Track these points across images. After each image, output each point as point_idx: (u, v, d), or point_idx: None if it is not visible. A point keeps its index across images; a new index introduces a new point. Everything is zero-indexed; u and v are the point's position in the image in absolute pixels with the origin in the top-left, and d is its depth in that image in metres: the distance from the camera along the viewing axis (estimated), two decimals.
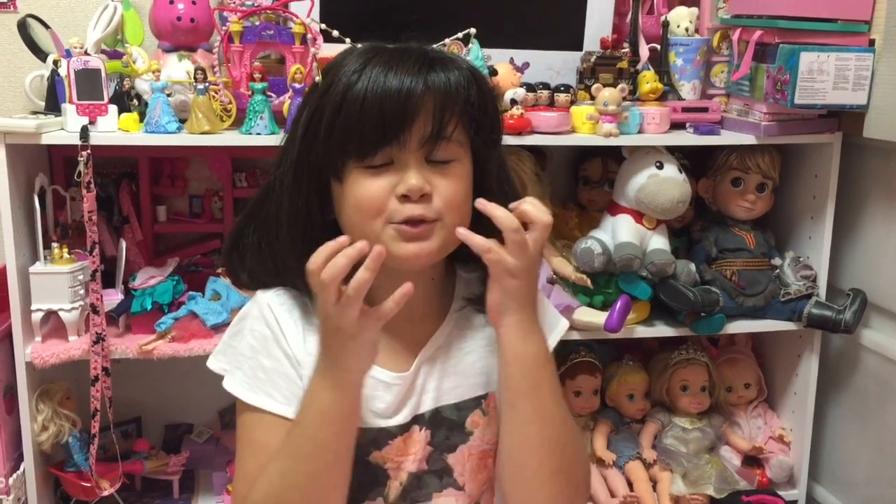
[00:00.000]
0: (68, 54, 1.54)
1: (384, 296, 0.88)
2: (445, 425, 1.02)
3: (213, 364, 1.04)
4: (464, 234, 0.91)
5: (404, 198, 0.91)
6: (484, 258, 0.91)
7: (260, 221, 1.01)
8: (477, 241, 0.90)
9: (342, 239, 0.86)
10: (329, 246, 0.86)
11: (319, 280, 0.85)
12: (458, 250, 0.97)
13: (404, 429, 1.00)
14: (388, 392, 1.00)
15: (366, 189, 0.92)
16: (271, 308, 1.00)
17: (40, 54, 1.69)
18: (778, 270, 1.84)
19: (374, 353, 0.91)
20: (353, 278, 0.84)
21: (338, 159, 0.93)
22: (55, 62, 1.62)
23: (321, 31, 1.55)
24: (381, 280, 0.88)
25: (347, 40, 0.90)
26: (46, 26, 1.71)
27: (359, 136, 0.90)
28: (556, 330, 1.10)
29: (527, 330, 0.95)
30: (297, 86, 1.56)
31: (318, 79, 0.97)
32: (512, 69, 1.70)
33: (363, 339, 0.88)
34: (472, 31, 1.60)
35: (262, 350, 0.99)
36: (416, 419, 1.01)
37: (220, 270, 1.74)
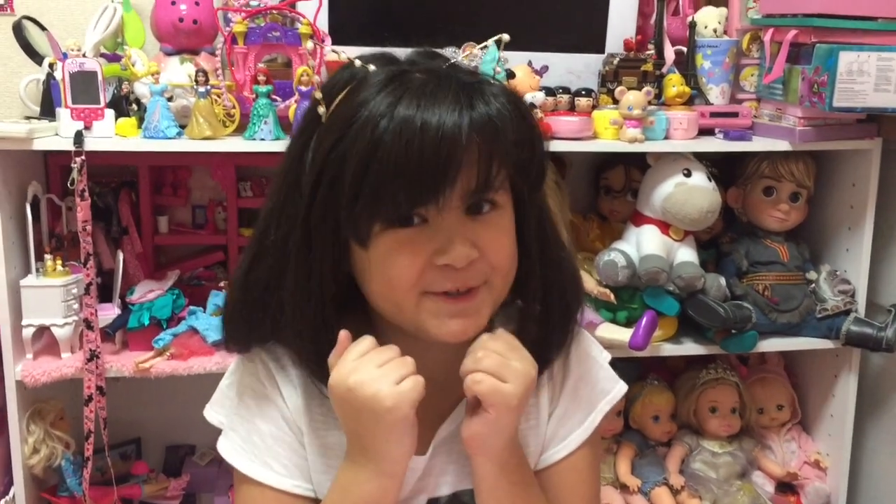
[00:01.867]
0: (65, 57, 1.48)
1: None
2: None
3: (210, 416, 0.93)
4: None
5: (446, 267, 0.76)
6: (472, 389, 0.78)
7: (258, 277, 0.83)
8: (465, 369, 0.79)
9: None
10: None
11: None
12: None
13: None
14: None
15: (397, 261, 0.76)
16: (268, 365, 0.87)
17: (36, 57, 1.62)
18: (813, 285, 1.76)
19: (415, 436, 0.79)
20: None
21: (363, 223, 0.75)
22: (51, 65, 1.55)
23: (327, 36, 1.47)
24: (395, 334, 0.80)
25: (357, 62, 0.74)
26: (43, 28, 1.64)
27: (391, 198, 0.73)
28: (611, 396, 0.94)
29: (505, 461, 0.82)
30: (303, 89, 1.48)
31: (321, 110, 0.78)
32: (530, 72, 1.62)
33: (402, 413, 0.77)
34: (506, 37, 1.50)
35: (259, 412, 0.87)
36: (431, 502, 0.89)
37: (222, 284, 1.67)
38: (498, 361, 0.78)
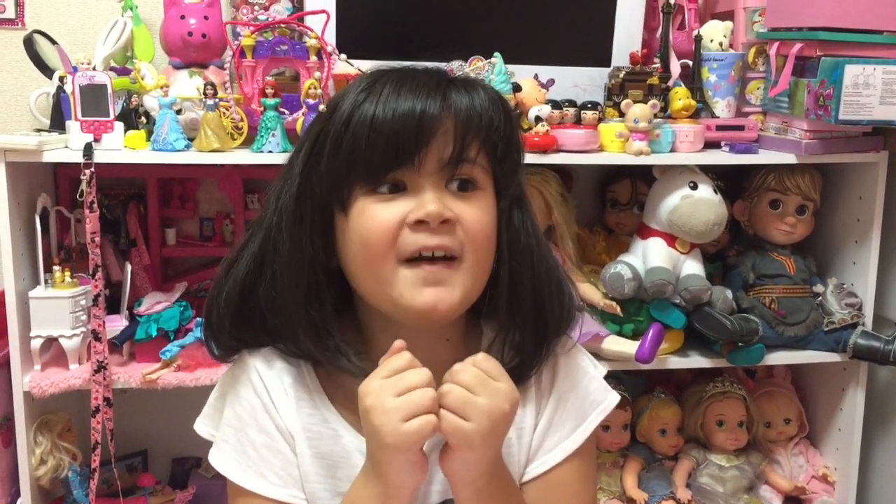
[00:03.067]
0: (75, 70, 1.49)
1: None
2: None
3: (200, 429, 0.92)
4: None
5: (419, 224, 0.78)
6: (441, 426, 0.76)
7: (250, 269, 0.86)
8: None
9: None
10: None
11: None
12: (480, 300, 0.84)
13: None
14: None
15: (373, 217, 0.79)
16: (258, 372, 0.87)
17: (47, 71, 1.64)
18: (820, 298, 1.75)
19: (424, 467, 0.77)
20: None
21: (343, 186, 0.81)
22: (61, 79, 1.56)
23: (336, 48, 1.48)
24: (385, 339, 0.79)
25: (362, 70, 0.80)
26: (53, 42, 1.66)
27: (367, 157, 0.79)
28: (602, 407, 0.92)
29: (481, 488, 0.80)
30: (311, 102, 1.49)
31: (322, 108, 0.85)
32: (537, 85, 1.63)
33: (409, 453, 0.76)
34: (497, 55, 1.53)
35: (251, 421, 0.86)
36: None
37: None
38: (461, 398, 0.75)
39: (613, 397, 0.93)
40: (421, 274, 0.79)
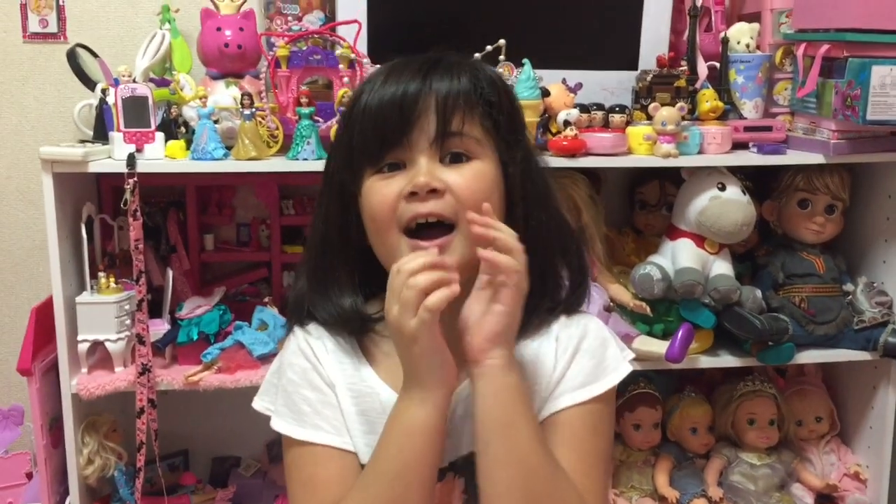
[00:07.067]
0: (116, 83, 1.54)
1: None
2: None
3: (257, 405, 1.01)
4: (487, 255, 0.84)
5: (412, 196, 0.88)
6: (503, 280, 0.84)
7: (309, 256, 1.00)
8: (502, 260, 0.84)
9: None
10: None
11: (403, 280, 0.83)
12: None
13: (441, 475, 0.92)
14: None
15: (376, 193, 0.90)
16: (306, 340, 0.98)
17: (89, 83, 1.69)
18: (850, 297, 1.76)
19: (452, 369, 0.87)
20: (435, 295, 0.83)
21: (356, 171, 0.93)
22: (103, 91, 1.61)
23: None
24: None
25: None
26: (95, 55, 1.71)
27: (365, 143, 0.91)
28: (618, 372, 0.97)
29: (511, 361, 0.87)
30: (344, 110, 1.52)
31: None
32: (564, 90, 1.65)
33: (423, 344, 0.83)
34: (502, 42, 1.58)
35: (304, 383, 0.96)
36: (451, 466, 0.94)
37: (266, 300, 1.71)
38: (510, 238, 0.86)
39: (626, 368, 0.98)
40: (417, 247, 0.88)
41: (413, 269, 0.83)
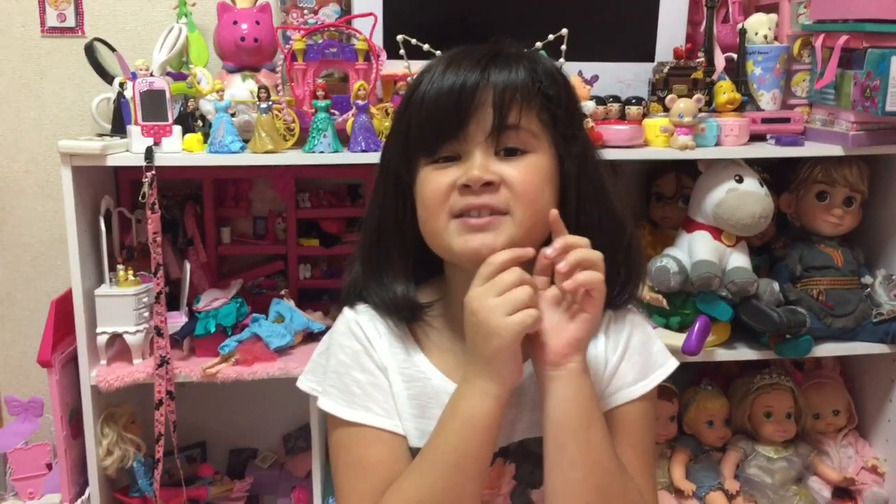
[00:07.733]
0: (134, 76, 1.54)
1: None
2: (531, 460, 0.96)
3: (303, 384, 1.03)
4: (572, 285, 0.86)
5: (465, 188, 0.88)
6: (586, 278, 0.85)
7: (364, 242, 1.01)
8: (587, 279, 0.86)
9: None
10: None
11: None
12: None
13: (492, 459, 0.93)
14: None
15: (430, 183, 0.91)
16: (358, 323, 0.99)
17: (107, 77, 1.70)
18: (869, 289, 1.74)
19: (520, 367, 0.88)
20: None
21: (411, 160, 0.93)
22: (121, 84, 1.62)
23: (402, 41, 1.49)
24: (464, 284, 0.87)
25: (426, 46, 0.92)
26: (113, 49, 1.72)
27: (421, 134, 0.91)
28: (666, 367, 1.00)
29: (587, 365, 0.89)
30: (360, 103, 1.52)
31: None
32: (581, 82, 1.64)
33: (506, 340, 0.84)
34: (564, 31, 1.53)
35: (355, 364, 0.97)
36: (502, 451, 0.96)
37: (283, 292, 1.72)
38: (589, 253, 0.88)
39: (673, 362, 1.01)
40: (467, 226, 0.89)
41: (504, 260, 0.85)
